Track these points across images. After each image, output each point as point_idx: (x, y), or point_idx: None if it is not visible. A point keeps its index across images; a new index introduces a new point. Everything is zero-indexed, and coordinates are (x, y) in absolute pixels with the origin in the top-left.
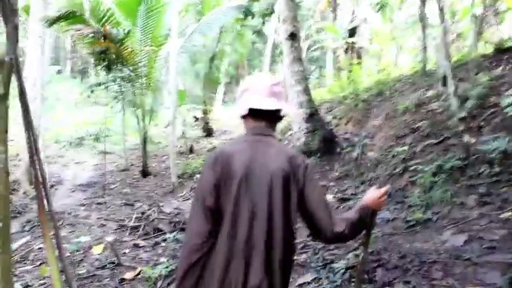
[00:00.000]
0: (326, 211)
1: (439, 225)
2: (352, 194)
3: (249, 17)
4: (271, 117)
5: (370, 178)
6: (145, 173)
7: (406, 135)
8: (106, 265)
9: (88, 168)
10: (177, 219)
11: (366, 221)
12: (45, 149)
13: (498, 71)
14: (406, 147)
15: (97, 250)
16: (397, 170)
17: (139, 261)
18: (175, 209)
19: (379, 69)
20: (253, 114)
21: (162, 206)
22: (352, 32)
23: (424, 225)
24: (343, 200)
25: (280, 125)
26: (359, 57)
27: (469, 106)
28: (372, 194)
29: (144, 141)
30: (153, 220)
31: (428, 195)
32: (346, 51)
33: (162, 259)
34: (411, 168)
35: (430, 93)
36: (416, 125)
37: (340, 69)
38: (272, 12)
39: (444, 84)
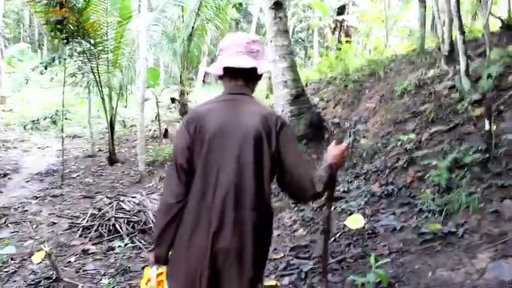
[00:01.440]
0: (306, 173)
1: (468, 242)
2: (344, 192)
3: None
4: (247, 76)
5: (367, 171)
6: (112, 160)
7: (407, 120)
8: (41, 281)
9: (50, 154)
10: (137, 219)
11: (331, 179)
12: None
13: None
14: (410, 135)
15: (37, 258)
16: (400, 163)
17: (84, 275)
18: (138, 205)
19: (370, 48)
20: (230, 73)
21: (122, 201)
22: (341, 11)
23: (446, 240)
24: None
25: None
26: (348, 36)
27: (484, 87)
28: (332, 152)
29: (111, 124)
30: (109, 219)
31: (447, 199)
32: (334, 30)
33: (111, 271)
34: (418, 161)
35: (431, 72)
36: (419, 109)
37: (328, 49)
38: None
39: (448, 62)
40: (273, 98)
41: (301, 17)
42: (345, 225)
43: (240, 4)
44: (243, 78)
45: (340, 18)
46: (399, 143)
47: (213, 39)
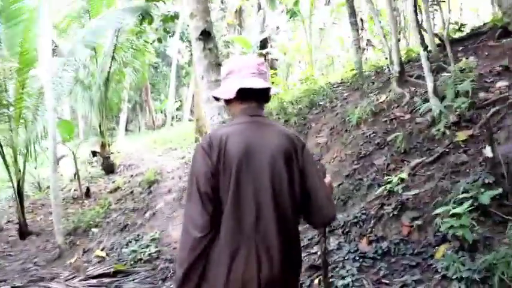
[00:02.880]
0: (326, 195)
1: None
2: (323, 254)
3: (148, 31)
4: (260, 98)
5: (344, 223)
6: (23, 233)
7: (373, 153)
8: None
9: None
10: None
11: None
12: None
13: (471, 60)
14: (388, 173)
15: None
16: (388, 209)
17: None
18: None
19: (301, 79)
20: (242, 96)
21: None
22: (264, 44)
23: None
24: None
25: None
26: (273, 69)
27: (460, 106)
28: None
29: (19, 190)
30: None
31: (482, 260)
32: None
33: None
34: (410, 205)
35: (384, 97)
36: (385, 139)
37: None
38: (175, 16)
39: (401, 84)
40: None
41: (223, 53)
42: None
43: (160, 40)
44: (255, 100)
45: (264, 51)
46: (376, 183)
47: (132, 84)
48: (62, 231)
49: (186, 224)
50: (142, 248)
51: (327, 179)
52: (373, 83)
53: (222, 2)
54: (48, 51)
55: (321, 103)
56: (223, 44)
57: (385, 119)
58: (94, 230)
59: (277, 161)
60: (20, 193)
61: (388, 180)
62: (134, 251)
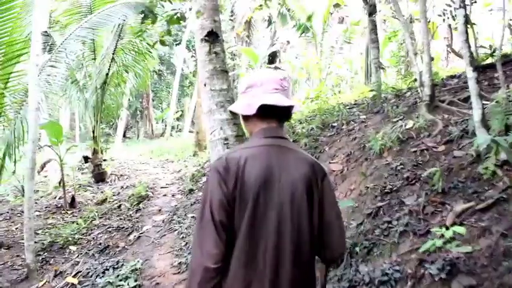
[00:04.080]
0: (341, 230)
1: None
2: None
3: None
4: (282, 116)
5: (370, 280)
6: None
7: (400, 189)
8: None
9: None
10: None
11: None
12: None
13: None
14: (433, 218)
15: None
16: (433, 270)
17: None
18: None
19: (310, 97)
20: (263, 113)
21: None
22: (272, 58)
23: None
24: None
25: (191, 170)
26: None
27: None
28: None
29: None
30: None
31: None
32: None
33: None
34: (463, 266)
35: (411, 123)
36: (415, 173)
37: None
38: (182, 18)
39: (431, 110)
40: (207, 156)
41: (229, 66)
42: None
43: (163, 42)
44: (276, 118)
45: (272, 66)
46: (410, 229)
47: (132, 89)
48: (33, 248)
49: (198, 255)
50: (119, 280)
51: None
52: (397, 106)
53: (231, 13)
54: (38, 43)
55: (334, 124)
56: (229, 56)
57: (415, 149)
58: (72, 247)
59: (298, 191)
60: None
61: (428, 228)
62: (110, 283)
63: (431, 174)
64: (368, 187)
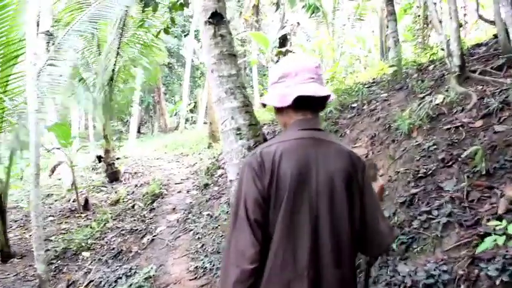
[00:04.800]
0: (384, 222)
1: None
2: None
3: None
4: (318, 107)
5: (411, 285)
6: (5, 255)
7: (436, 172)
8: None
9: None
10: None
11: None
12: None
13: None
14: (482, 206)
15: None
16: (488, 270)
17: None
18: None
19: (326, 78)
20: (298, 104)
21: None
22: (283, 41)
23: None
24: None
25: (206, 163)
26: None
27: None
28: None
29: (0, 206)
30: None
31: None
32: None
33: None
34: None
35: (440, 98)
36: (451, 153)
37: None
38: (185, 4)
39: (462, 82)
40: (220, 148)
41: (239, 52)
42: None
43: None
44: (311, 109)
45: (283, 49)
46: (456, 220)
47: (143, 85)
48: (44, 258)
49: (233, 255)
50: None
51: (379, 183)
52: (422, 81)
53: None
54: (34, 41)
55: (354, 105)
56: (239, 43)
57: (448, 126)
58: (85, 254)
59: (337, 185)
60: (1, 209)
61: (477, 217)
62: None
63: (471, 154)
64: (398, 172)
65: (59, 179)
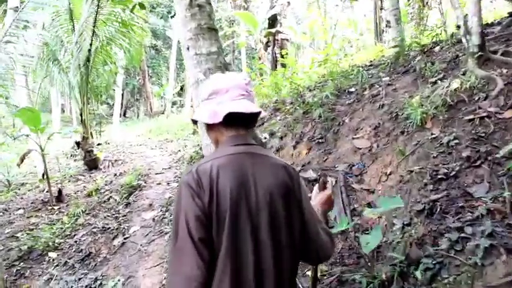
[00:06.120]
0: (324, 231)
1: None
2: None
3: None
4: (249, 123)
5: None
6: None
7: (460, 173)
8: None
9: None
10: None
11: None
12: None
13: None
14: None
15: None
16: None
17: None
18: None
19: (319, 61)
20: (229, 120)
21: None
22: (273, 22)
23: None
24: None
25: (189, 151)
26: (283, 49)
27: None
28: (320, 198)
29: None
30: None
31: None
32: (266, 45)
33: None
34: None
35: (457, 82)
36: (477, 150)
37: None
38: None
39: (482, 63)
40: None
41: (227, 33)
42: None
43: (142, 5)
44: (243, 126)
45: (273, 30)
46: (501, 244)
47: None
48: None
49: (177, 279)
50: None
51: (327, 192)
52: (432, 63)
53: None
54: None
55: (351, 90)
56: (227, 23)
57: (470, 116)
58: (52, 254)
59: (276, 199)
60: None
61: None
62: None
63: (506, 153)
64: (412, 171)
65: (35, 166)
